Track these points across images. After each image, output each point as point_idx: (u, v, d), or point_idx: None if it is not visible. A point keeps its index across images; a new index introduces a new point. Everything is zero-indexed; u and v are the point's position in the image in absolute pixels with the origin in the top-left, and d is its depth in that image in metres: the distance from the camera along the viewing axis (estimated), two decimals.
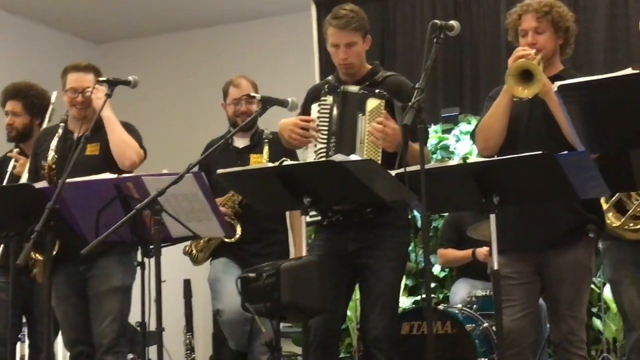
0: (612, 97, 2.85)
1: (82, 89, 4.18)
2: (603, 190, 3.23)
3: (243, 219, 4.43)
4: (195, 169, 3.40)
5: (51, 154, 4.09)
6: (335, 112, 3.78)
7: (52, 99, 4.61)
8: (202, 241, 4.53)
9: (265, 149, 4.43)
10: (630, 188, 3.97)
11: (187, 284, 6.17)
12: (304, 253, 3.54)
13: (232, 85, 4.64)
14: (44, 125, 4.56)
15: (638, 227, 3.96)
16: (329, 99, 3.82)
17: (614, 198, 3.98)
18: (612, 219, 3.98)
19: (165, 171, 3.55)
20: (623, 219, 3.98)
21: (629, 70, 2.97)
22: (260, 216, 4.36)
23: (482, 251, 5.30)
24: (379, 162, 3.59)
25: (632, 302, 3.97)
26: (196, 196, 3.49)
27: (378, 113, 3.68)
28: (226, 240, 4.41)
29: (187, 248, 4.62)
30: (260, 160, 4.44)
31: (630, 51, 6.80)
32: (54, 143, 4.10)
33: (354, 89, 3.78)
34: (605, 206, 4.01)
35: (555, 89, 2.92)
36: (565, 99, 2.90)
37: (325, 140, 3.76)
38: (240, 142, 4.62)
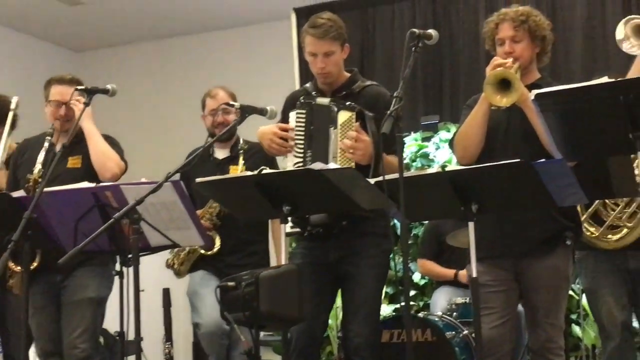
0: (589, 105, 2.87)
1: (66, 102, 4.16)
2: (580, 198, 3.24)
3: (221, 230, 4.42)
4: (176, 177, 3.39)
5: (38, 167, 4.08)
6: (309, 125, 3.78)
7: (13, 105, 4.45)
8: (182, 254, 4.50)
9: (240, 159, 4.43)
10: (608, 195, 4.02)
11: (166, 293, 6.15)
12: (285, 262, 3.53)
13: (208, 97, 4.63)
14: (5, 131, 4.45)
15: (617, 236, 4.01)
16: (304, 112, 3.81)
17: (590, 209, 4.02)
18: (591, 230, 4.01)
19: (144, 180, 3.54)
20: (601, 230, 4.02)
21: (605, 79, 2.99)
22: (239, 227, 4.35)
23: (464, 273, 5.31)
24: None
25: (609, 311, 4.01)
26: (175, 205, 3.48)
27: (349, 125, 3.66)
28: (206, 252, 4.39)
29: (169, 261, 4.59)
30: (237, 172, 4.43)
31: (608, 59, 6.84)
32: (41, 156, 4.10)
33: (324, 101, 3.76)
34: (582, 217, 4.04)
35: (532, 97, 2.94)
36: (542, 107, 2.93)
37: (301, 153, 3.76)
38: (220, 153, 4.61)
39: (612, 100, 2.79)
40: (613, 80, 2.97)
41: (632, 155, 3.30)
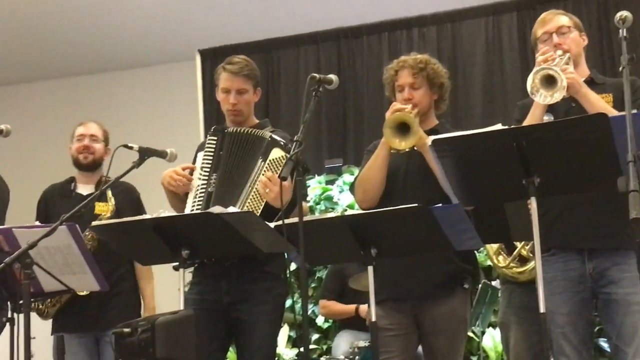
0: (483, 152, 2.93)
1: None
2: (477, 243, 3.29)
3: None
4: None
5: None
6: (220, 150, 3.75)
7: None
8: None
9: (109, 195, 4.36)
10: (505, 240, 4.10)
11: (59, 340, 5.93)
12: (181, 306, 3.45)
13: (78, 125, 4.63)
14: None
15: (522, 269, 4.09)
16: (215, 138, 3.79)
17: None
18: (500, 260, 4.08)
19: (37, 223, 3.46)
20: (508, 260, 4.10)
21: (499, 126, 3.06)
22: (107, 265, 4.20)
23: (364, 308, 5.33)
24: (260, 210, 3.56)
25: (515, 345, 4.09)
26: (70, 249, 3.41)
27: (278, 164, 3.64)
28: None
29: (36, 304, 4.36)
30: (106, 209, 4.36)
31: (506, 106, 7.04)
32: None
33: (265, 134, 3.74)
34: (494, 248, 4.11)
35: (430, 143, 2.98)
36: (439, 153, 2.97)
37: (206, 176, 3.72)
38: (84, 189, 4.52)
39: (506, 147, 2.85)
40: (506, 127, 3.05)
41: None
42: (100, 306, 4.18)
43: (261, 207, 3.59)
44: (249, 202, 3.60)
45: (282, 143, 3.68)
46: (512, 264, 4.14)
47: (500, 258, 4.14)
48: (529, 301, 4.03)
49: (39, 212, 4.53)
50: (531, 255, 4.06)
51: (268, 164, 3.64)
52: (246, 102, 3.83)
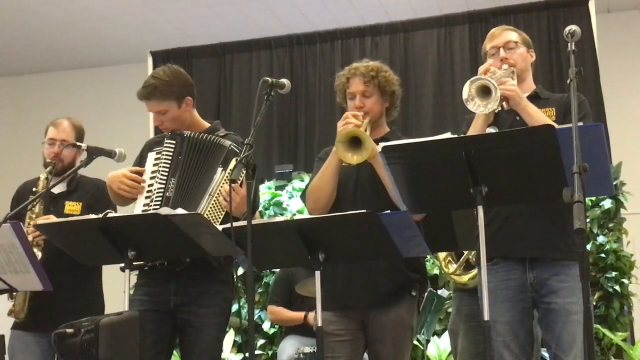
0: (432, 160, 2.96)
1: None
2: (424, 250, 3.31)
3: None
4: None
5: None
6: (179, 155, 3.68)
7: None
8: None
9: (77, 194, 4.30)
10: (452, 247, 4.15)
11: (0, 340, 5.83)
12: (126, 307, 3.42)
13: (52, 125, 4.46)
14: None
15: (468, 276, 4.14)
16: (173, 142, 3.72)
17: None
18: (450, 267, 4.13)
19: None
20: (455, 266, 4.15)
21: (448, 134, 3.09)
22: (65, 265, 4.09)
23: (312, 315, 5.33)
24: (220, 219, 3.53)
25: (462, 352, 4.15)
26: (13, 247, 3.36)
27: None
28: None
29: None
30: (76, 208, 4.29)
31: (455, 116, 7.13)
32: None
33: (225, 142, 3.68)
34: (444, 254, 4.15)
35: (380, 149, 3.00)
36: (388, 159, 2.99)
37: (164, 180, 3.66)
38: (55, 188, 4.42)
39: (455, 155, 2.88)
40: (456, 136, 3.08)
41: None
42: (59, 306, 4.08)
43: (221, 217, 3.56)
44: (209, 211, 3.55)
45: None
46: (458, 271, 4.19)
47: (450, 265, 4.18)
48: (477, 309, 4.11)
49: (12, 209, 4.43)
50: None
51: (229, 173, 3.59)
52: (171, 120, 3.75)
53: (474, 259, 4.13)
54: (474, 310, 4.11)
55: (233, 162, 3.60)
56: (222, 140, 3.71)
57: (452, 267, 4.18)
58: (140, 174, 3.72)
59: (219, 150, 3.67)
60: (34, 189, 4.27)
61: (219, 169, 3.63)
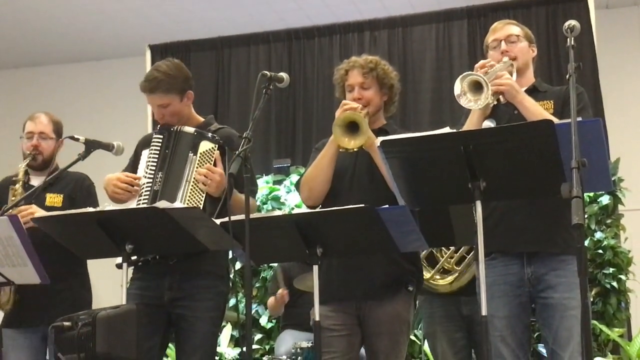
0: (431, 154, 2.95)
1: None
2: (422, 245, 3.31)
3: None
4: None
5: None
6: (166, 149, 3.70)
7: None
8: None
9: (58, 186, 4.28)
10: (449, 243, 4.15)
11: None
12: (124, 301, 3.41)
13: (29, 119, 4.42)
14: None
15: (446, 280, 4.15)
16: (161, 136, 3.74)
17: (425, 251, 4.14)
18: (424, 274, 4.13)
19: None
20: (432, 272, 4.16)
21: (447, 129, 3.08)
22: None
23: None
24: (201, 204, 3.55)
25: (444, 353, 4.16)
26: (11, 240, 3.36)
27: (209, 156, 3.63)
28: None
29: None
30: (57, 200, 4.27)
31: (454, 111, 7.11)
32: None
33: (189, 129, 3.72)
34: None
35: (378, 144, 2.99)
36: (387, 154, 2.98)
37: (152, 174, 3.67)
38: (36, 181, 4.37)
39: (453, 150, 2.87)
40: (454, 130, 3.07)
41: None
42: (47, 301, 4.07)
43: (202, 201, 3.57)
44: (189, 197, 3.56)
45: (208, 135, 3.67)
46: (436, 276, 4.20)
47: (426, 271, 4.19)
48: (450, 311, 4.21)
49: None
50: (455, 267, 4.18)
51: (200, 156, 3.62)
52: (172, 114, 3.76)
53: (450, 265, 4.17)
54: (449, 311, 4.21)
55: (202, 146, 3.64)
56: (185, 128, 3.72)
57: (427, 274, 4.18)
58: (135, 179, 3.72)
59: (188, 139, 3.68)
60: (13, 178, 4.26)
61: (190, 154, 3.65)
